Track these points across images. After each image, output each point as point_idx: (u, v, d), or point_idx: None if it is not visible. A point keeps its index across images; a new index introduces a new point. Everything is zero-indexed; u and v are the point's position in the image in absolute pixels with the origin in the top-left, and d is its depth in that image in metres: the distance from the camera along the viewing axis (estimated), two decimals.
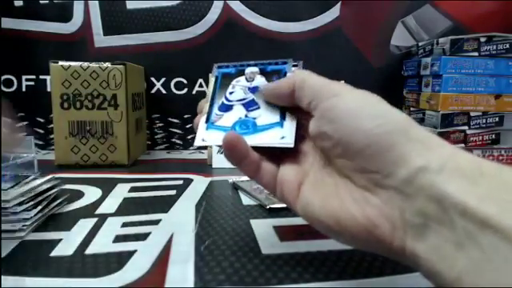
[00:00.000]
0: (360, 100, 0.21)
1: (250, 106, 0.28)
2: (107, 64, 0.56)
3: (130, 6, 0.70)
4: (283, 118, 0.26)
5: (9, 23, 0.68)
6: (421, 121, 0.65)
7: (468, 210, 0.15)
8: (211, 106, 0.29)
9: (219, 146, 0.26)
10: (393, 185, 0.18)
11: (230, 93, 0.29)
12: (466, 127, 0.60)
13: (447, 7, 0.73)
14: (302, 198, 0.23)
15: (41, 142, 0.72)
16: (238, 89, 0.29)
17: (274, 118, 0.26)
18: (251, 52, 0.72)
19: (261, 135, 0.26)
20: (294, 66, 0.29)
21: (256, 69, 0.30)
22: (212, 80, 0.31)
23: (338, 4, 0.73)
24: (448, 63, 0.59)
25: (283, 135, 0.25)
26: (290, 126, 0.26)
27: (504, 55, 0.59)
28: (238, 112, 0.28)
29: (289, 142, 0.25)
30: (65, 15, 0.69)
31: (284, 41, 0.73)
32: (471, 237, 0.15)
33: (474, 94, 0.60)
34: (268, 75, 0.29)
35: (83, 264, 0.27)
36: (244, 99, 0.28)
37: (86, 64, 0.56)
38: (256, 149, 0.25)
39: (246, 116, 0.27)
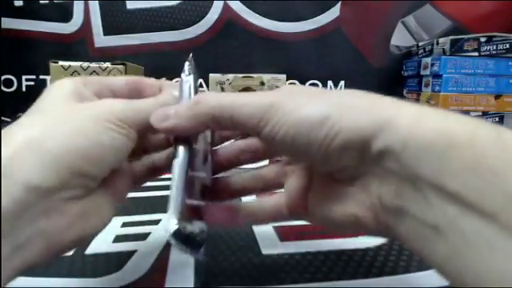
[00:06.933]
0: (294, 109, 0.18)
1: None
2: (107, 64, 0.56)
3: (130, 6, 0.70)
4: None
5: (9, 23, 0.68)
6: None
7: (444, 191, 0.14)
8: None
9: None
10: (364, 171, 0.17)
11: None
12: None
13: (447, 7, 0.73)
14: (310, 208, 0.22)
15: None
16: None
17: None
18: (251, 52, 0.72)
19: None
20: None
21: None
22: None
23: (338, 4, 0.73)
24: (448, 63, 0.59)
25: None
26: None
27: (504, 55, 0.59)
28: None
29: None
30: (65, 15, 0.69)
31: (284, 41, 0.73)
32: (451, 220, 0.14)
33: (474, 94, 0.60)
34: None
35: (83, 264, 0.27)
36: None
37: (86, 64, 0.56)
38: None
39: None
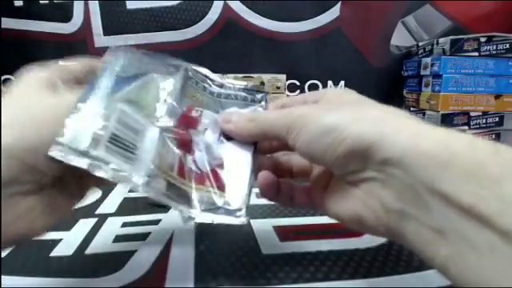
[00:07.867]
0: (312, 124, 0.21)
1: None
2: None
3: (130, 5, 0.70)
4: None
5: (9, 23, 0.68)
6: None
7: (444, 196, 0.15)
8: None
9: None
10: (369, 176, 0.19)
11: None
12: (466, 127, 0.60)
13: (447, 7, 0.73)
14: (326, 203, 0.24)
15: None
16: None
17: None
18: (251, 52, 0.72)
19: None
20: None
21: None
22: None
23: (338, 4, 0.73)
24: (448, 63, 0.59)
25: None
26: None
27: (504, 55, 0.59)
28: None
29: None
30: (65, 15, 0.69)
31: (284, 41, 0.73)
32: (451, 223, 0.15)
33: (474, 94, 0.60)
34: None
35: (83, 264, 0.27)
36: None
37: None
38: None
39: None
